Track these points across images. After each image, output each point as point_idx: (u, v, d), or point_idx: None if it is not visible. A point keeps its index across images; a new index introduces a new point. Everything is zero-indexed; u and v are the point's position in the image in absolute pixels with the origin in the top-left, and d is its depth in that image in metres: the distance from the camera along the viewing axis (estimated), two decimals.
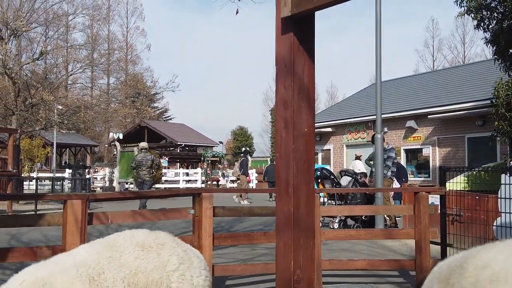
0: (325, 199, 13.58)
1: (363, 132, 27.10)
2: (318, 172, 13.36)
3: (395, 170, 13.88)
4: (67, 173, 33.23)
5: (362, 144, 26.35)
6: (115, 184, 29.61)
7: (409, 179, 19.39)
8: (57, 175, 32.47)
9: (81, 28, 44.56)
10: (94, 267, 2.94)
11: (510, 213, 7.15)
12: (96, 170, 40.19)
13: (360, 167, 16.94)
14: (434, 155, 23.21)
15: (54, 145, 36.62)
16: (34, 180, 24.33)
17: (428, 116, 22.89)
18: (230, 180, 35.52)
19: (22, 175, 24.74)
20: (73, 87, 36.03)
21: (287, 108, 2.71)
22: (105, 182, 34.82)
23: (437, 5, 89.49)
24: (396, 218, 13.30)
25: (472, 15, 14.07)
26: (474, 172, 10.96)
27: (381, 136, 12.51)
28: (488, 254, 2.32)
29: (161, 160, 30.02)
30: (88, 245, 3.27)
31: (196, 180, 34.70)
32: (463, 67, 31.76)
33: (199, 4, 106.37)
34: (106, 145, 58.68)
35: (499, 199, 7.78)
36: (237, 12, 8.36)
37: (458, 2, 14.28)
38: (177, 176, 34.92)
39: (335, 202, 13.10)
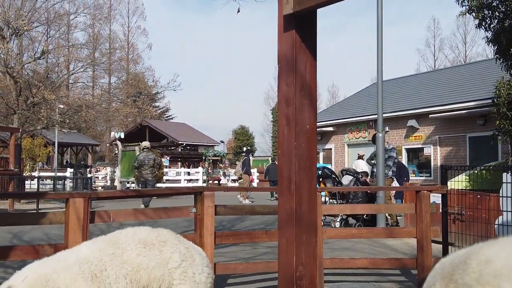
0: (327, 199, 13.58)
1: (364, 132, 27.08)
2: (320, 171, 13.36)
3: (395, 169, 13.87)
4: (69, 172, 33.24)
5: (364, 143, 26.32)
6: (116, 183, 29.63)
7: (410, 178, 19.38)
8: (59, 174, 32.47)
9: (83, 27, 44.67)
10: (96, 264, 2.95)
11: (511, 211, 7.15)
12: (98, 169, 40.20)
13: (363, 166, 16.94)
14: (436, 155, 23.19)
15: (55, 144, 36.64)
16: (36, 179, 24.35)
17: (430, 116, 22.87)
18: (232, 180, 35.52)
19: (24, 174, 24.78)
20: (75, 86, 36.03)
21: (289, 105, 2.72)
22: (107, 181, 34.84)
23: (438, 6, 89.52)
24: (398, 217, 13.30)
25: (474, 14, 14.04)
26: (476, 171, 10.96)
27: (382, 135, 12.51)
28: (491, 250, 2.32)
29: (162, 160, 30.03)
30: (91, 242, 3.28)
31: (197, 180, 34.69)
32: (465, 67, 31.73)
33: (199, 4, 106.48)
34: (107, 145, 58.70)
35: (500, 198, 7.79)
36: (238, 11, 8.39)
37: (460, 1, 14.25)
38: (178, 176, 34.93)
39: (336, 201, 13.10)
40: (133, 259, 3.08)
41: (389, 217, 12.76)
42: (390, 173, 13.28)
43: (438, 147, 23.08)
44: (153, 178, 17.49)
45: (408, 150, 24.91)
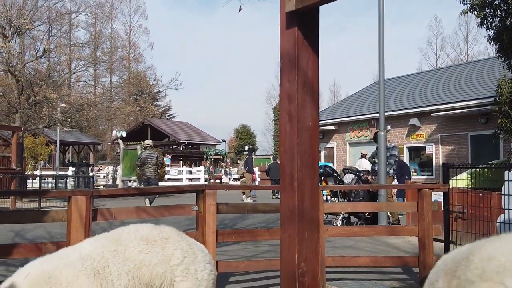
0: (329, 197, 13.58)
1: (366, 130, 27.08)
2: (321, 170, 13.35)
3: (396, 168, 13.86)
4: (70, 171, 33.28)
5: (365, 142, 26.32)
6: (118, 182, 29.67)
7: (412, 177, 19.37)
8: (61, 173, 32.50)
9: (84, 26, 44.57)
10: (99, 260, 2.96)
11: None
12: (101, 168, 40.23)
13: (366, 165, 16.93)
14: (437, 153, 23.19)
15: (57, 143, 36.69)
16: (38, 178, 24.38)
17: (431, 114, 22.86)
18: (233, 178, 35.55)
19: (26, 173, 24.81)
20: (76, 85, 36.04)
21: (292, 102, 2.72)
22: (108, 180, 34.88)
23: (438, 6, 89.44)
24: (399, 216, 13.29)
25: (476, 12, 14.02)
26: (478, 169, 10.95)
27: (384, 134, 12.50)
28: (493, 246, 2.33)
29: (164, 158, 30.04)
30: (93, 239, 3.29)
31: (199, 178, 34.76)
32: (466, 65, 31.71)
33: (199, 4, 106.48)
34: (109, 143, 58.78)
35: (502, 196, 7.78)
36: (240, 9, 8.37)
37: (461, 0, 14.25)
38: (180, 174, 34.99)
39: (338, 199, 13.10)
40: (135, 256, 3.08)
41: (390, 215, 12.76)
42: (391, 171, 13.27)
43: (440, 145, 23.08)
44: (155, 176, 17.51)
45: (410, 148, 24.90)
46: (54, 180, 24.12)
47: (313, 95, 2.75)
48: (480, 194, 8.75)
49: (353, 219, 12.95)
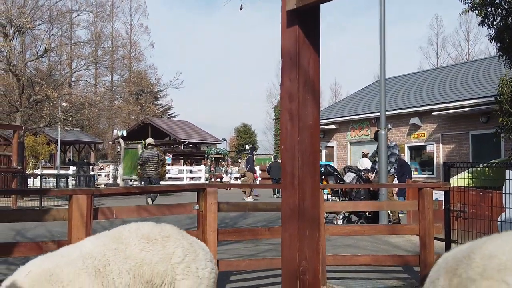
0: (329, 196, 13.58)
1: (367, 129, 27.07)
2: (322, 169, 13.35)
3: (397, 167, 13.86)
4: (71, 170, 33.30)
5: (366, 141, 26.32)
6: (119, 181, 29.69)
7: (413, 176, 19.36)
8: (61, 172, 32.53)
9: (85, 25, 44.59)
10: (100, 259, 2.96)
11: None
12: (102, 167, 40.25)
13: (367, 165, 16.91)
14: (438, 152, 23.18)
15: (58, 142, 36.74)
16: (39, 177, 24.41)
17: (432, 113, 22.85)
18: (234, 177, 35.56)
19: (27, 172, 24.83)
20: (77, 84, 35.97)
21: (293, 100, 2.72)
22: (109, 179, 34.90)
23: (438, 6, 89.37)
24: (400, 215, 13.29)
25: (477, 11, 14.01)
26: (478, 168, 10.95)
27: (385, 132, 12.50)
28: (494, 244, 2.33)
29: (165, 157, 30.04)
30: (94, 238, 3.29)
31: (200, 177, 34.80)
32: (467, 64, 31.70)
33: (199, 4, 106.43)
34: (110, 142, 58.79)
35: (503, 195, 7.78)
36: (241, 8, 8.35)
37: None
38: (181, 173, 35.02)
39: (339, 198, 13.10)
40: (136, 254, 3.09)
41: (391, 214, 12.76)
42: (392, 170, 13.26)
43: (440, 144, 23.07)
44: (157, 175, 17.51)
45: (410, 147, 24.89)
46: (55, 179, 24.14)
47: (314, 94, 2.75)
48: (481, 193, 8.75)
49: (354, 218, 12.96)
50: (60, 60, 30.77)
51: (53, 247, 4.54)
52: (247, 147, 42.42)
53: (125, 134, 33.75)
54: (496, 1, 13.62)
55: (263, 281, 6.98)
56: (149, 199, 15.68)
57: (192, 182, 32.38)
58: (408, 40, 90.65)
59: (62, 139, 38.70)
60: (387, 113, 14.26)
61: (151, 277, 3.06)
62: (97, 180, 31.36)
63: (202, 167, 37.10)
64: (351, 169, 13.96)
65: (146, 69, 62.66)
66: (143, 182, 17.80)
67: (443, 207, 7.61)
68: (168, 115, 69.75)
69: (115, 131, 37.83)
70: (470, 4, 14.16)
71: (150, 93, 43.72)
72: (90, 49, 33.20)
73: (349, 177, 13.55)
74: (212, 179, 34.18)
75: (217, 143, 50.15)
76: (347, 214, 12.60)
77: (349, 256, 7.47)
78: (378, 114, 13.51)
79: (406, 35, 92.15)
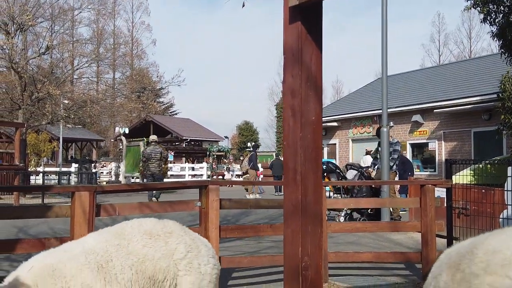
0: (331, 193, 13.57)
1: (368, 127, 27.06)
2: (324, 166, 13.33)
3: (399, 163, 13.85)
4: (73, 167, 33.33)
5: (368, 138, 26.31)
6: (121, 178, 29.69)
7: (415, 173, 19.35)
8: (63, 169, 32.56)
9: (87, 23, 44.63)
10: (102, 254, 2.96)
11: None
12: (104, 165, 40.27)
13: (370, 162, 16.91)
14: (440, 150, 23.16)
15: (60, 139, 36.75)
16: (41, 174, 24.44)
17: (434, 111, 22.83)
18: (236, 175, 35.56)
19: (29, 170, 24.85)
20: (79, 82, 36.07)
21: (295, 96, 2.72)
22: (111, 177, 34.92)
23: (442, 3, 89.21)
24: (401, 212, 13.29)
25: (479, 8, 14.01)
26: (481, 165, 10.94)
27: (387, 129, 12.49)
28: (498, 239, 2.33)
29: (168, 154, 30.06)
30: (97, 233, 3.29)
31: (201, 175, 34.79)
32: (470, 61, 31.65)
33: (201, 2, 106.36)
34: (112, 140, 58.86)
35: (505, 192, 7.78)
36: (243, 5, 8.34)
37: None
38: (182, 171, 35.01)
39: (341, 196, 13.10)
40: (138, 250, 3.09)
41: (392, 211, 12.75)
42: (394, 166, 13.25)
43: (442, 142, 23.05)
44: (160, 171, 17.57)
45: (412, 145, 24.88)
46: (57, 177, 24.15)
47: (316, 90, 2.75)
48: (483, 190, 8.74)
49: (356, 215, 12.95)
50: (62, 57, 30.78)
51: (56, 244, 4.54)
52: (248, 144, 42.43)
53: (127, 131, 33.77)
54: None
55: (265, 278, 6.98)
56: (154, 199, 15.76)
57: (194, 179, 32.40)
58: (410, 38, 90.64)
59: (64, 137, 38.73)
60: (389, 110, 14.24)
61: (154, 273, 3.06)
62: (99, 177, 31.38)
63: (204, 164, 37.09)
64: (353, 166, 13.94)
65: (148, 67, 62.83)
66: (146, 179, 17.85)
67: (445, 204, 7.60)
68: (170, 112, 69.74)
69: (117, 128, 37.80)
70: (472, 1, 14.16)
71: (152, 91, 43.69)
72: (92, 46, 33.35)
73: (351, 174, 13.54)
74: (214, 177, 34.18)
75: (219, 141, 50.16)
76: (349, 212, 12.60)
77: (351, 253, 7.48)
78: (380, 111, 13.50)
79: (408, 32, 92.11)
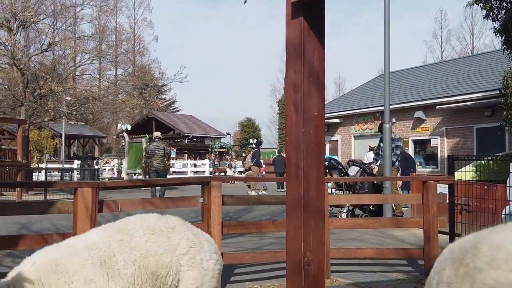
0: (333, 190, 13.57)
1: (371, 123, 27.03)
2: (326, 162, 13.33)
3: (401, 160, 13.84)
4: (76, 164, 33.36)
5: (370, 135, 26.28)
6: (123, 175, 29.72)
7: (417, 169, 19.34)
8: (66, 166, 32.61)
9: (89, 20, 44.51)
10: (105, 250, 2.97)
11: None
12: (108, 161, 40.30)
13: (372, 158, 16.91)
14: (443, 146, 23.13)
15: (62, 136, 36.82)
16: (43, 170, 24.47)
17: (437, 107, 22.79)
18: (238, 171, 35.59)
19: (31, 166, 24.90)
20: (81, 78, 36.05)
21: (297, 92, 2.72)
22: (114, 173, 34.97)
23: (442, 1, 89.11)
24: (404, 208, 13.28)
25: (481, 4, 13.97)
26: (483, 162, 10.93)
27: (389, 126, 12.47)
28: (502, 234, 2.33)
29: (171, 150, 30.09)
30: (99, 229, 3.30)
31: (204, 171, 34.86)
32: (472, 58, 31.59)
33: (202, 2, 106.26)
34: (114, 136, 58.91)
35: (507, 188, 7.76)
36: (245, 1, 8.33)
37: None
38: (185, 167, 35.08)
39: (343, 192, 13.10)
40: (141, 246, 3.10)
41: (395, 207, 12.74)
42: (397, 163, 13.25)
43: (445, 138, 23.03)
44: (163, 168, 17.68)
45: (415, 141, 24.85)
46: (60, 173, 24.20)
47: (318, 85, 2.75)
48: (485, 186, 8.74)
49: (358, 212, 12.95)
50: (64, 54, 30.83)
51: (58, 239, 4.55)
52: (251, 141, 42.45)
53: (129, 128, 33.84)
54: None
55: (267, 274, 6.99)
56: (157, 196, 15.83)
57: (196, 176, 32.44)
58: (412, 34, 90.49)
59: (67, 133, 38.79)
60: (391, 106, 14.23)
61: (156, 268, 3.07)
62: (101, 174, 31.43)
63: (206, 161, 37.14)
64: (355, 162, 13.94)
65: (150, 63, 62.71)
66: (150, 176, 17.92)
67: (447, 201, 7.60)
68: (172, 109, 69.79)
69: (119, 125, 37.86)
70: None
71: (154, 87, 43.75)
72: (94, 43, 33.22)
73: (353, 170, 13.54)
74: (216, 173, 34.21)
75: (221, 137, 50.21)
76: (351, 208, 12.59)
77: (353, 249, 7.48)
78: (382, 108, 13.48)
79: (411, 28, 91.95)
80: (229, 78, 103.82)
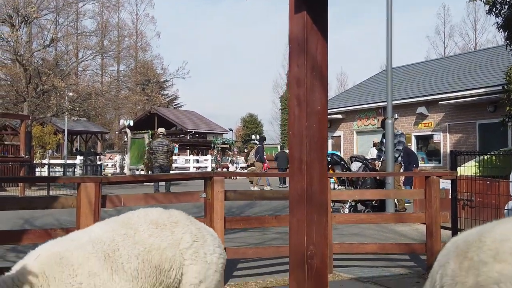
0: (336, 185, 13.57)
1: (373, 119, 27.00)
2: (329, 158, 13.32)
3: (403, 155, 13.84)
4: (78, 160, 33.42)
5: (373, 130, 26.26)
6: (125, 170, 29.78)
7: (419, 165, 19.32)
8: (69, 161, 32.67)
9: (91, 15, 44.65)
10: (109, 243, 2.98)
11: None
12: (111, 157, 40.35)
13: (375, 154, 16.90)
14: (445, 142, 23.10)
15: (65, 132, 36.83)
16: (46, 166, 24.53)
17: (439, 102, 22.76)
18: (240, 167, 35.62)
19: (34, 162, 24.94)
20: (84, 74, 36.10)
21: (300, 86, 2.72)
22: (116, 169, 35.02)
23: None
24: (406, 204, 13.28)
25: (484, 0, 13.94)
26: (486, 157, 10.93)
27: (391, 121, 12.47)
28: (505, 227, 2.34)
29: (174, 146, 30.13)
30: (103, 223, 3.32)
31: (206, 167, 34.89)
32: (475, 53, 31.52)
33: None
34: (116, 132, 58.92)
35: (510, 183, 7.78)
36: None
37: None
38: (187, 163, 35.10)
39: (345, 187, 13.10)
40: (145, 240, 3.11)
41: (397, 203, 12.75)
42: (400, 158, 13.24)
43: (447, 134, 23.00)
44: (167, 163, 17.85)
45: (417, 137, 24.82)
46: (62, 169, 24.26)
47: (321, 80, 2.75)
48: (488, 182, 8.74)
49: (360, 207, 12.96)
50: (67, 50, 30.80)
51: (62, 234, 4.55)
52: (253, 137, 42.44)
53: (131, 124, 33.82)
54: None
55: (269, 269, 7.01)
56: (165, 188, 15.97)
57: (199, 171, 32.46)
58: (415, 30, 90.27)
59: (69, 129, 38.80)
60: (393, 102, 14.21)
61: (160, 262, 3.08)
62: (104, 169, 31.48)
63: (209, 157, 37.17)
64: (357, 158, 13.94)
65: (152, 59, 62.71)
66: (154, 171, 18.04)
67: (450, 196, 7.61)
68: (175, 105, 69.78)
69: (121, 121, 37.87)
70: None
71: (157, 83, 43.70)
72: (96, 39, 33.27)
73: (355, 166, 13.53)
74: (219, 169, 34.24)
75: (224, 133, 50.22)
76: (353, 203, 12.60)
77: (355, 244, 7.49)
78: (385, 103, 13.47)
79: (413, 24, 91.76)
80: (232, 74, 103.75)
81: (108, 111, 40.16)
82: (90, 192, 4.92)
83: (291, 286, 2.78)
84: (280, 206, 12.75)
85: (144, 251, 3.05)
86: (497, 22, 14.14)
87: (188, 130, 46.63)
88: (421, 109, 23.84)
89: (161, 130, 18.93)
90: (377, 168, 13.53)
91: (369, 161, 13.89)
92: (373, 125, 26.74)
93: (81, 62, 31.37)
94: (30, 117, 23.22)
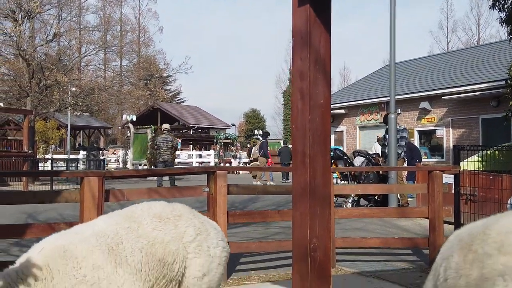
0: (339, 180, 13.57)
1: (376, 114, 26.96)
2: (332, 153, 13.32)
3: (406, 150, 13.82)
4: (81, 154, 33.46)
5: (375, 125, 26.22)
6: (128, 165, 29.79)
7: (422, 160, 19.30)
8: (72, 156, 32.71)
9: (94, 10, 44.62)
10: (113, 237, 2.99)
11: None
12: (115, 152, 40.37)
13: (380, 149, 16.88)
14: (448, 137, 23.07)
15: (68, 127, 36.88)
16: (49, 161, 24.55)
17: (442, 97, 22.71)
18: (243, 162, 35.62)
19: (37, 157, 24.98)
20: (87, 69, 36.12)
21: (304, 79, 2.72)
22: (119, 164, 35.05)
23: None
24: (409, 199, 13.28)
25: None
26: (488, 152, 10.92)
27: (394, 116, 12.45)
28: (510, 220, 2.34)
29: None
30: (107, 216, 3.32)
31: (209, 162, 34.89)
32: (478, 48, 31.43)
33: None
34: (119, 127, 59.00)
35: None
36: None
37: None
38: (190, 158, 35.13)
39: (348, 182, 13.10)
40: (148, 233, 3.12)
41: (400, 198, 12.74)
42: (402, 153, 13.23)
43: (450, 129, 22.95)
44: (172, 159, 18.02)
45: (420, 132, 24.79)
46: (65, 164, 24.28)
47: (325, 73, 2.76)
48: (491, 177, 8.73)
49: (363, 202, 12.96)
50: (70, 45, 30.82)
51: (65, 228, 4.56)
52: (256, 132, 42.44)
53: (134, 119, 33.89)
54: None
55: (272, 263, 7.02)
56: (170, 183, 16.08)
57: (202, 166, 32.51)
58: (418, 25, 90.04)
59: (72, 124, 38.86)
60: (396, 97, 14.19)
61: (163, 256, 3.09)
62: (107, 164, 31.51)
63: (211, 152, 37.19)
64: (360, 153, 13.94)
65: (155, 54, 62.71)
66: (159, 166, 18.14)
67: (453, 191, 7.60)
68: (177, 100, 69.76)
69: (124, 116, 37.97)
70: None
71: (159, 78, 43.71)
72: (99, 34, 33.29)
73: (358, 161, 13.53)
74: (221, 164, 34.27)
75: (226, 128, 50.22)
76: (356, 198, 12.60)
77: (358, 238, 7.50)
78: (388, 98, 13.45)
79: (417, 19, 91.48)
80: (234, 69, 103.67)
81: (111, 106, 40.24)
82: (94, 186, 4.93)
83: (294, 279, 2.79)
84: (283, 201, 12.75)
85: (148, 244, 3.06)
86: (501, 16, 14.10)
87: (191, 125, 46.65)
88: (424, 104, 23.80)
89: (166, 126, 19.05)
90: (381, 164, 13.52)
91: (372, 156, 13.88)
92: (376, 120, 26.70)
93: (84, 57, 31.43)
94: (33, 112, 23.25)
